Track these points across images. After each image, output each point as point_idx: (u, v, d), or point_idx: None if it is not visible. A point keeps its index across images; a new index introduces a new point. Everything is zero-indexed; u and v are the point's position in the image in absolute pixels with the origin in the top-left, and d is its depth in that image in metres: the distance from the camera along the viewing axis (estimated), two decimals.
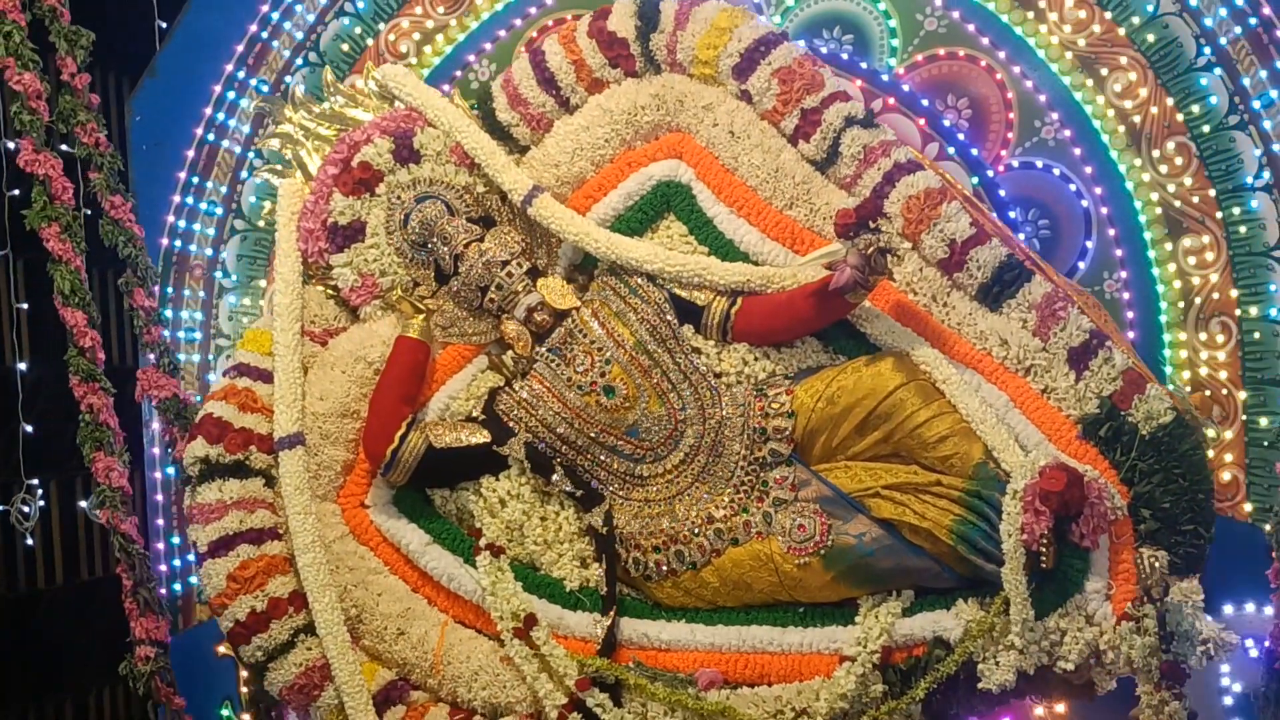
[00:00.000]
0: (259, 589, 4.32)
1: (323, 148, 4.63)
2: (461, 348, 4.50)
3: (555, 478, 4.32)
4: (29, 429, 4.99)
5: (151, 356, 5.08)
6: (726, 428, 4.25)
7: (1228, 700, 4.63)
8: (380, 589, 4.40)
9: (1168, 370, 4.89)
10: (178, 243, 5.55)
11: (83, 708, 6.84)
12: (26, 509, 4.99)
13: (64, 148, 4.97)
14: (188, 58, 5.53)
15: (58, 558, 6.68)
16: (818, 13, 5.14)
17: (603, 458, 4.31)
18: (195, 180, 5.51)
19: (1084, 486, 3.85)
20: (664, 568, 4.24)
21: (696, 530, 4.22)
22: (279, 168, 4.72)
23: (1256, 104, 4.76)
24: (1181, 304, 4.88)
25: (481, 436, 4.34)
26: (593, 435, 4.30)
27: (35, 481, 5.03)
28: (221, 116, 5.48)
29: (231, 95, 5.46)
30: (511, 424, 4.33)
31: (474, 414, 4.39)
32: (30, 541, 5.05)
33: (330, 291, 4.58)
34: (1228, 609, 4.63)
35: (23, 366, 5.02)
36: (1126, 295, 4.94)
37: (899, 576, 4.11)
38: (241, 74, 5.49)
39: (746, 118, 4.40)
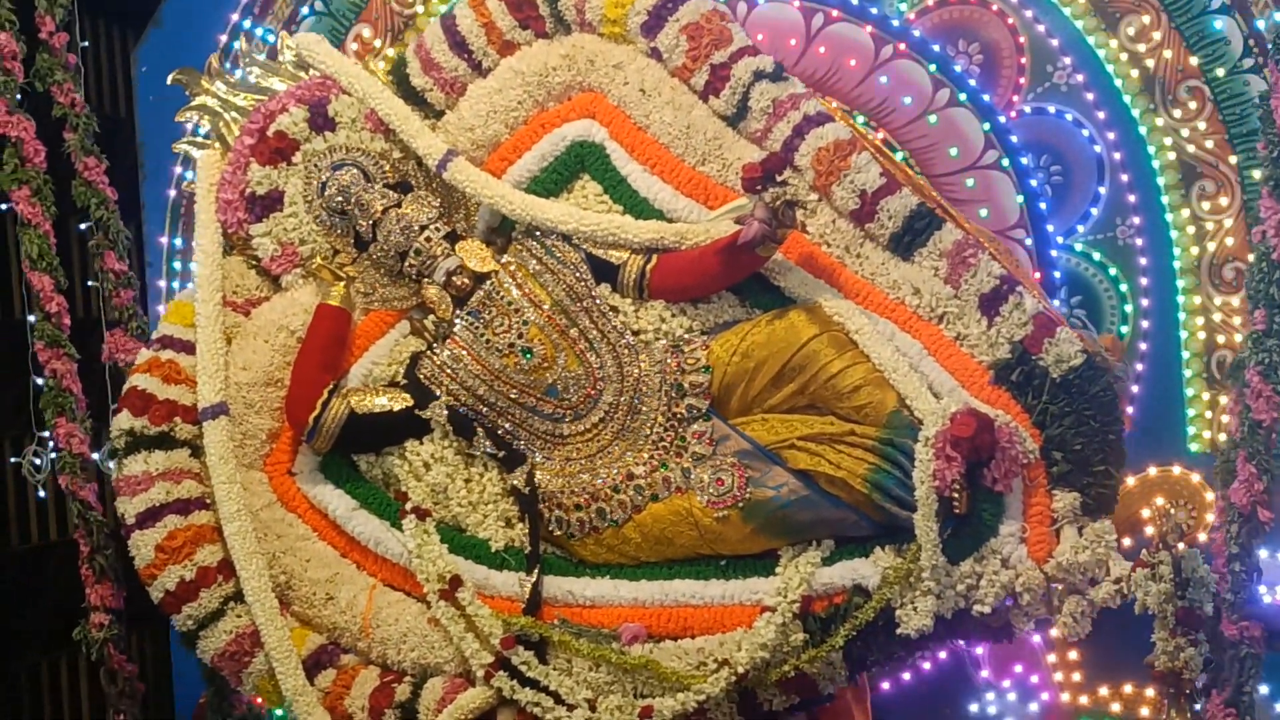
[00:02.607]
0: (187, 559, 4.37)
1: (241, 119, 4.64)
2: (383, 314, 4.51)
3: (477, 440, 4.34)
4: (40, 381, 4.99)
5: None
6: (644, 385, 4.27)
7: None
8: (308, 555, 4.44)
9: (1181, 317, 4.89)
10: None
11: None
12: (38, 461, 4.99)
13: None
14: (193, 8, 5.56)
15: (68, 511, 6.68)
16: None
17: (523, 418, 4.34)
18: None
19: (995, 431, 3.86)
20: (586, 525, 4.27)
21: (617, 487, 4.24)
22: (198, 140, 4.72)
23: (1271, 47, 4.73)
24: (1195, 250, 4.87)
25: (404, 401, 4.36)
26: (513, 396, 4.32)
27: (46, 434, 5.03)
28: (228, 66, 5.46)
29: (238, 45, 5.39)
30: (434, 388, 4.35)
31: (396, 379, 4.42)
32: (42, 494, 5.04)
33: (251, 262, 4.60)
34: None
35: (32, 319, 5.01)
36: (1139, 241, 4.93)
37: (818, 527, 4.13)
38: (247, 23, 5.49)
39: (657, 75, 4.40)
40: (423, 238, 4.39)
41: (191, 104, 4.71)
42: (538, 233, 4.40)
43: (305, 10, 5.46)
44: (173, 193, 5.57)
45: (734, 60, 4.33)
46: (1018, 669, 4.89)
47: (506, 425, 4.34)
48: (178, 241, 5.56)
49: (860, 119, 4.92)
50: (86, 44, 5.15)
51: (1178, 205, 4.89)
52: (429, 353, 4.39)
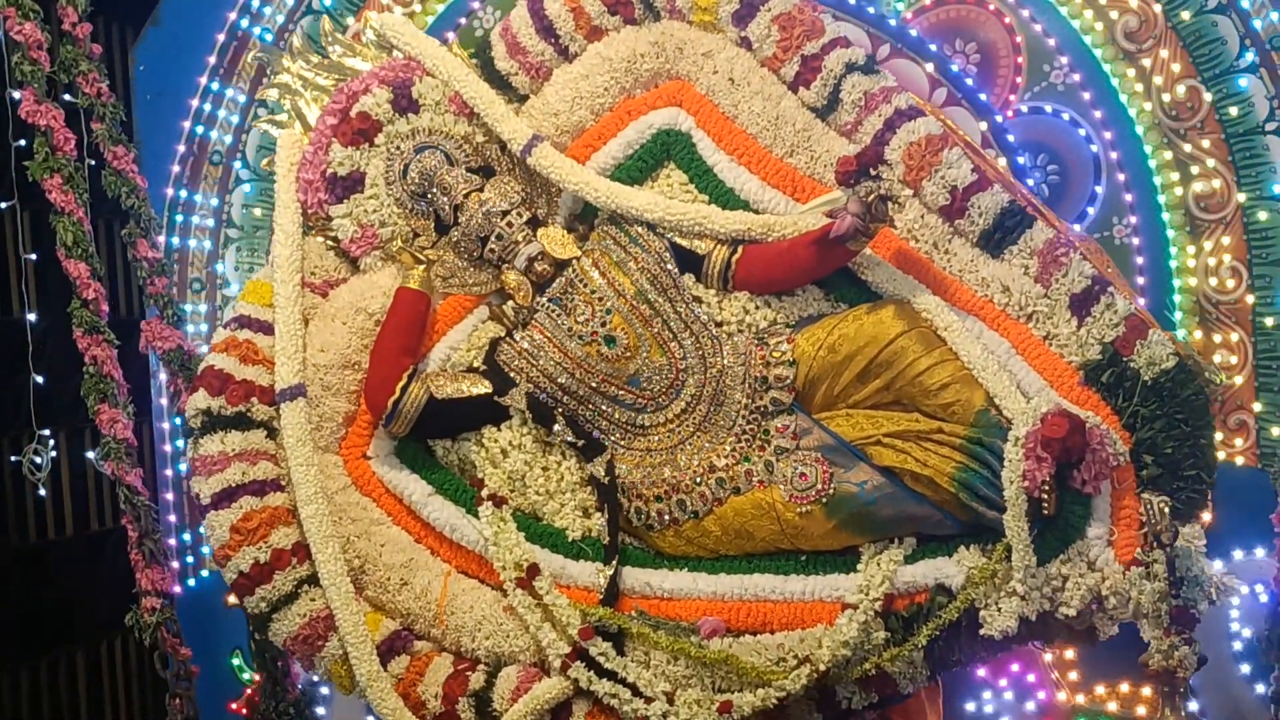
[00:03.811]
0: (262, 540, 4.33)
1: (321, 98, 4.60)
2: (462, 298, 4.48)
3: (557, 428, 4.31)
4: (39, 379, 4.98)
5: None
6: (728, 376, 4.24)
7: (1237, 645, 4.63)
8: (383, 540, 4.40)
9: (1177, 316, 4.86)
10: (182, 193, 5.54)
11: (94, 658, 6.88)
12: (39, 460, 4.97)
13: (68, 98, 4.96)
14: (191, 7, 5.51)
15: (68, 509, 6.70)
16: None
17: (604, 407, 4.31)
18: (200, 130, 5.50)
19: (1086, 433, 3.83)
20: (666, 517, 4.24)
21: (698, 479, 4.21)
22: (278, 118, 4.70)
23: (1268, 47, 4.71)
24: (1191, 249, 4.84)
25: (483, 387, 4.33)
26: (594, 385, 4.29)
27: (46, 432, 5.02)
28: (226, 65, 5.46)
29: (235, 45, 5.43)
30: (513, 374, 4.32)
31: (475, 364, 4.38)
32: (43, 492, 5.03)
33: (330, 243, 4.56)
34: (1237, 554, 4.62)
35: (32, 317, 5.00)
36: (1136, 240, 4.90)
37: (901, 524, 4.11)
38: (245, 22, 5.46)
39: (746, 65, 4.37)
40: (504, 223, 4.36)
41: (273, 81, 4.67)
42: (621, 220, 4.37)
43: (303, 9, 5.43)
44: (170, 191, 5.53)
45: (826, 52, 4.30)
46: (1014, 668, 4.87)
47: (586, 414, 4.31)
48: (175, 240, 5.52)
49: None
50: None
51: (1174, 204, 4.87)
52: (508, 339, 4.36)
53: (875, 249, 4.21)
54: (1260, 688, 4.57)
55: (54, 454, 4.96)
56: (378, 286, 4.47)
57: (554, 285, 4.34)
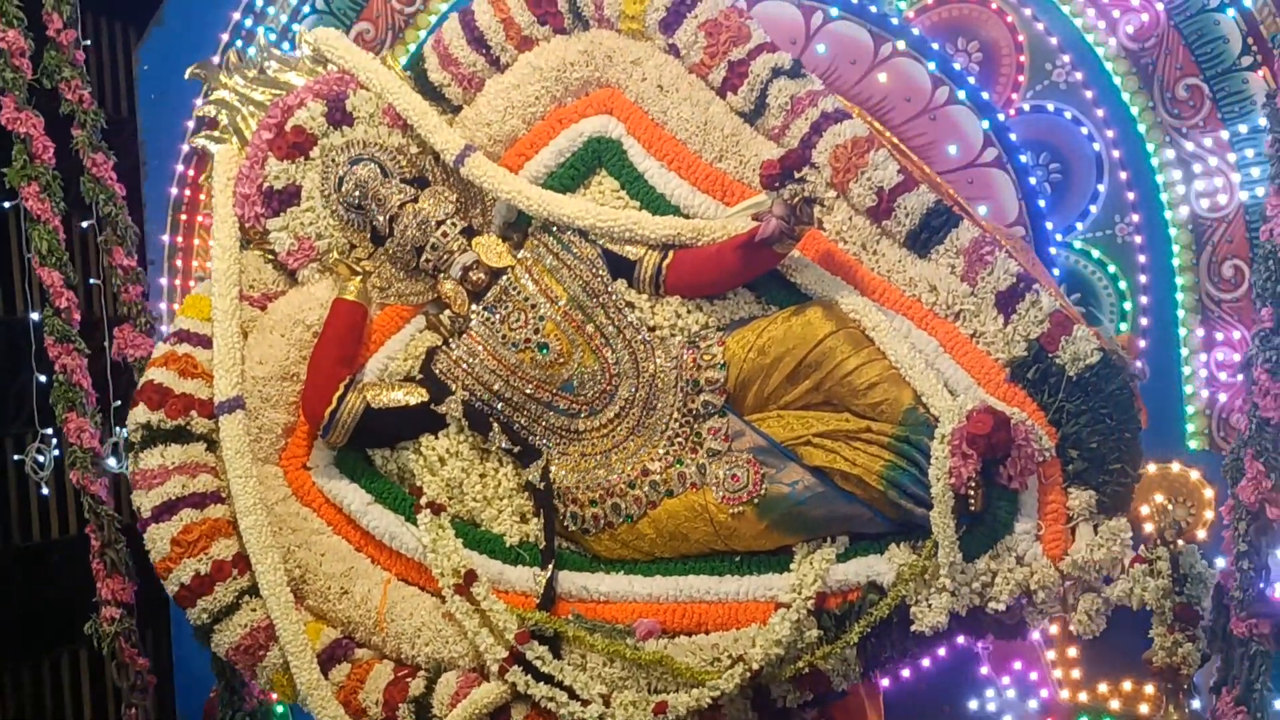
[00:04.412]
0: (202, 552, 4.37)
1: (258, 114, 4.64)
2: (399, 308, 4.52)
3: (493, 435, 4.35)
4: (42, 379, 5.00)
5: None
6: (660, 380, 4.28)
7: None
8: (323, 549, 4.44)
9: (1180, 314, 4.88)
10: (186, 192, 5.57)
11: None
12: (41, 459, 5.00)
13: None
14: (195, 6, 5.56)
15: (70, 508, 6.73)
16: None
17: (539, 413, 4.34)
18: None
19: (1010, 429, 3.87)
20: (601, 520, 4.27)
21: (632, 483, 4.25)
22: (215, 134, 4.72)
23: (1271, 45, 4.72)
24: (1194, 247, 4.86)
25: (419, 396, 4.37)
26: (528, 391, 4.33)
27: (49, 431, 5.04)
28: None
29: (239, 44, 5.44)
30: (449, 382, 4.35)
31: (413, 374, 4.42)
32: (45, 491, 5.06)
33: (268, 256, 4.60)
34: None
35: (35, 316, 5.02)
36: (1138, 239, 4.92)
37: (832, 523, 4.14)
38: (249, 22, 5.49)
39: (675, 71, 4.40)
40: (439, 233, 4.40)
41: (209, 98, 4.71)
42: (554, 228, 4.40)
43: (307, 9, 5.46)
44: (174, 191, 5.58)
45: (752, 57, 4.33)
46: (1017, 665, 4.89)
47: (522, 420, 4.35)
48: (179, 239, 5.57)
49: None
50: (89, 42, 5.16)
51: (1176, 203, 4.88)
52: (445, 348, 4.40)
53: (804, 251, 4.24)
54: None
55: (56, 453, 4.98)
56: (315, 298, 4.51)
57: (489, 294, 4.38)
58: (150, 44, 5.66)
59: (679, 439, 4.24)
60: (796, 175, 4.06)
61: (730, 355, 4.22)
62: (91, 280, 5.30)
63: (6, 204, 4.97)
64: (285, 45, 5.34)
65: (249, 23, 5.49)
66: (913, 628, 4.01)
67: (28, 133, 4.89)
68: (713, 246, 4.27)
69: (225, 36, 5.49)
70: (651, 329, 4.35)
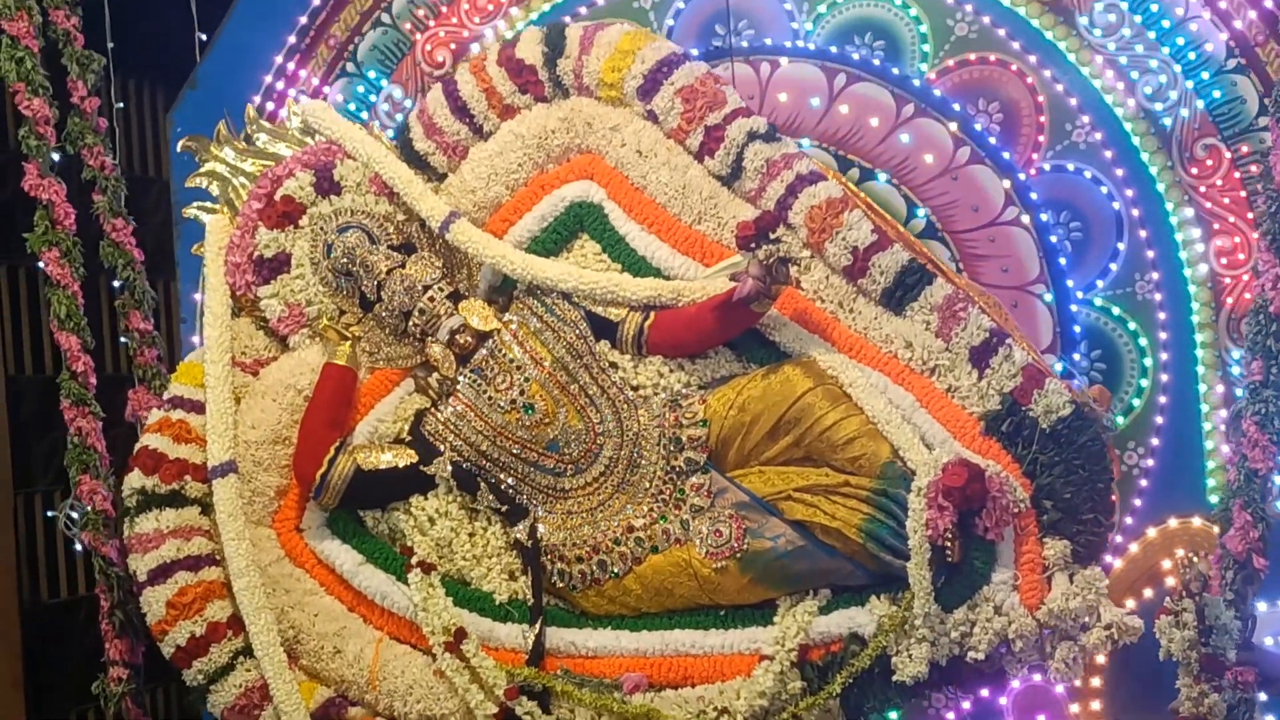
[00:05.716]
0: (197, 614, 4.46)
1: (249, 184, 4.75)
2: (388, 372, 4.61)
3: (481, 494, 4.43)
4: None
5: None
6: (643, 439, 4.36)
7: (1262, 696, 4.57)
8: (316, 609, 4.52)
9: (1199, 370, 4.97)
10: None
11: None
12: (74, 514, 5.03)
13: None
14: (227, 70, 5.65)
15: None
16: (849, 19, 5.21)
17: (526, 473, 4.42)
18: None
19: (986, 481, 3.96)
20: (588, 577, 4.35)
21: (618, 539, 4.33)
22: (207, 205, 4.84)
23: None
24: (1213, 304, 4.96)
25: (408, 457, 4.45)
26: (515, 452, 4.41)
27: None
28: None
29: (270, 106, 5.55)
30: (438, 444, 4.44)
31: (402, 436, 4.51)
32: (79, 547, 5.08)
33: (259, 322, 4.71)
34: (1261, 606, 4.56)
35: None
36: (1158, 296, 5.01)
37: (814, 577, 4.21)
38: (280, 85, 5.61)
39: (653, 137, 4.52)
40: (426, 297, 4.49)
41: (200, 170, 4.83)
42: (538, 291, 4.50)
43: (338, 71, 5.59)
44: None
45: (728, 121, 4.44)
46: (1040, 719, 4.93)
47: (509, 480, 4.43)
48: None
49: (883, 177, 5.06)
50: (121, 105, 5.24)
51: (1195, 261, 4.98)
52: (433, 410, 4.49)
53: (782, 310, 4.33)
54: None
55: (88, 508, 5.00)
56: (306, 364, 4.60)
57: (476, 356, 4.47)
58: (183, 107, 5.74)
59: (663, 496, 4.32)
60: (771, 236, 4.15)
61: (711, 413, 4.31)
62: (122, 339, 5.37)
63: (40, 264, 5.04)
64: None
65: (280, 85, 5.62)
66: (894, 678, 4.08)
67: (50, 199, 4.98)
68: (693, 307, 4.37)
69: (257, 98, 5.58)
70: (635, 388, 4.44)
